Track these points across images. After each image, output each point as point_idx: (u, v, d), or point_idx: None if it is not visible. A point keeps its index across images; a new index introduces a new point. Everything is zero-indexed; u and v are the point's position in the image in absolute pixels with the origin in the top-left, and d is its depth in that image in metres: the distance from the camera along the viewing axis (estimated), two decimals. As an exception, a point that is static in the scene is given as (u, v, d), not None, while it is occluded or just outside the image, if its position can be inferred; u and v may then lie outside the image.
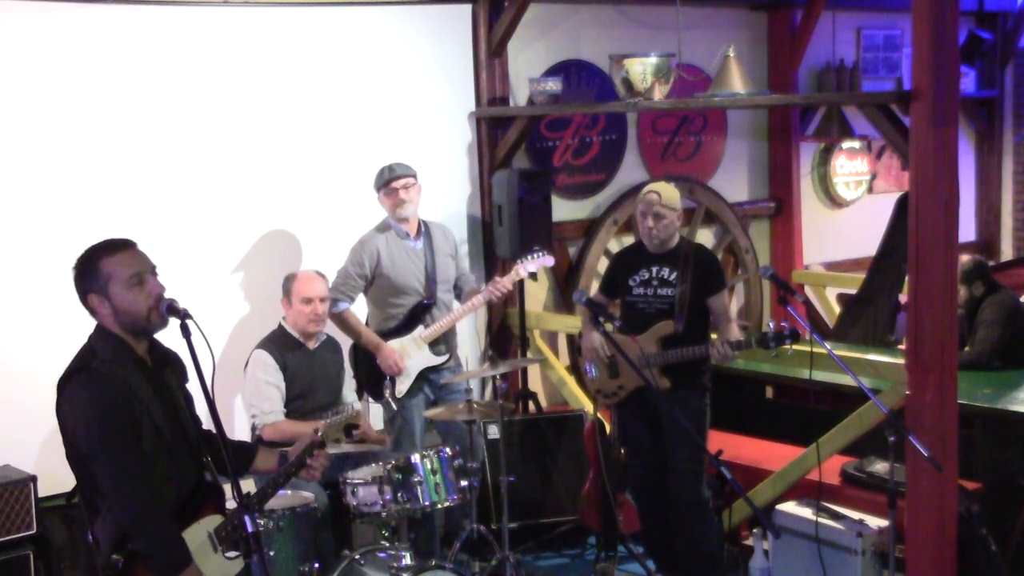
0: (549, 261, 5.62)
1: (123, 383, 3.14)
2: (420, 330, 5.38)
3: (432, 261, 5.43)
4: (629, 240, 7.04)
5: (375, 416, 5.56)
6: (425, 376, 5.43)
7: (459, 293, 5.61)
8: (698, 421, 4.89)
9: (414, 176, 5.36)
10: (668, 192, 4.87)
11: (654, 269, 4.91)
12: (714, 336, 4.89)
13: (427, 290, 5.41)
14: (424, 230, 5.45)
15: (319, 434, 3.66)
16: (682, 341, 4.79)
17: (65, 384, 3.18)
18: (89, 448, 3.12)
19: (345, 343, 5.41)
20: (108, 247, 3.21)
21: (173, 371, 3.36)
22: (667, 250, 4.90)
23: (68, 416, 3.16)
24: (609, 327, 4.48)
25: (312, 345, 5.17)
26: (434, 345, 5.43)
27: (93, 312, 3.22)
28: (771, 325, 4.63)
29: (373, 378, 5.37)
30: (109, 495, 3.13)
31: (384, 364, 5.32)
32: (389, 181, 5.30)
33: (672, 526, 5.03)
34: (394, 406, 5.15)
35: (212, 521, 3.30)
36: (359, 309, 5.49)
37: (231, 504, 3.19)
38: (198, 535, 3.26)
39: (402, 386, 5.34)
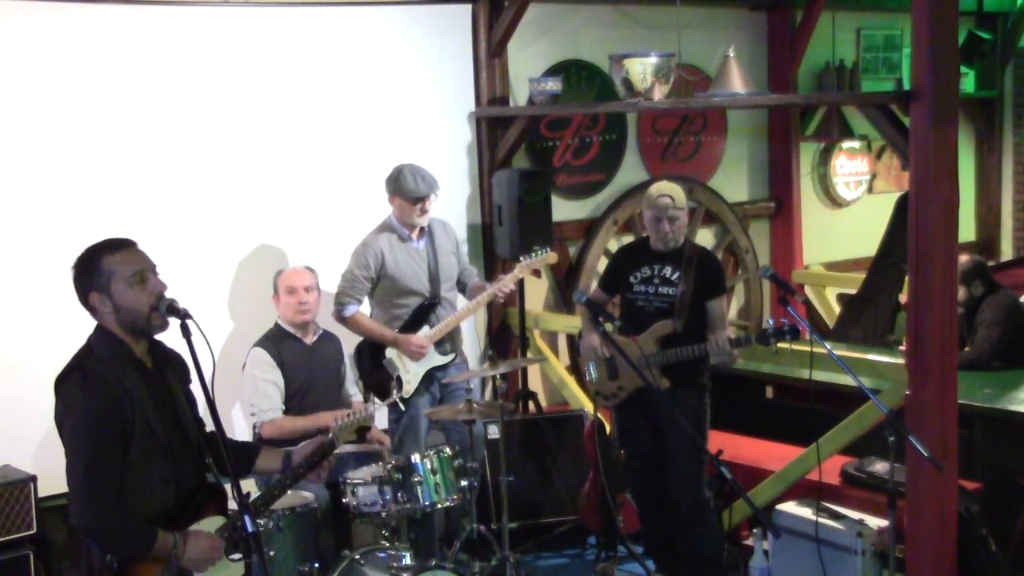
0: (552, 257, 5.61)
1: (117, 383, 3.13)
2: (426, 330, 5.38)
3: (435, 260, 5.43)
4: (629, 240, 7.04)
5: (380, 416, 5.55)
6: (432, 376, 5.43)
7: (463, 287, 5.61)
8: (698, 421, 4.89)
9: (438, 190, 5.37)
10: (678, 193, 4.87)
11: (656, 267, 4.90)
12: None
13: (431, 290, 5.41)
14: (426, 229, 5.45)
15: (331, 435, 3.66)
16: (681, 341, 4.79)
17: (60, 383, 3.19)
18: (69, 440, 3.13)
19: (347, 344, 5.41)
20: (109, 246, 3.21)
21: (175, 372, 3.35)
22: (672, 249, 4.90)
23: (60, 413, 3.17)
24: (609, 327, 4.47)
25: (309, 340, 5.18)
26: (440, 344, 5.43)
27: (94, 311, 3.21)
28: (770, 322, 4.64)
29: (379, 379, 5.36)
30: (70, 489, 3.13)
31: (408, 352, 5.31)
32: (417, 198, 5.28)
33: (672, 526, 5.03)
34: (402, 407, 5.15)
35: (214, 522, 3.30)
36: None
37: (233, 505, 3.19)
38: (199, 534, 3.27)
39: (409, 387, 5.34)
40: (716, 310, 4.87)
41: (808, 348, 4.56)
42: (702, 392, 4.93)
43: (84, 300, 3.21)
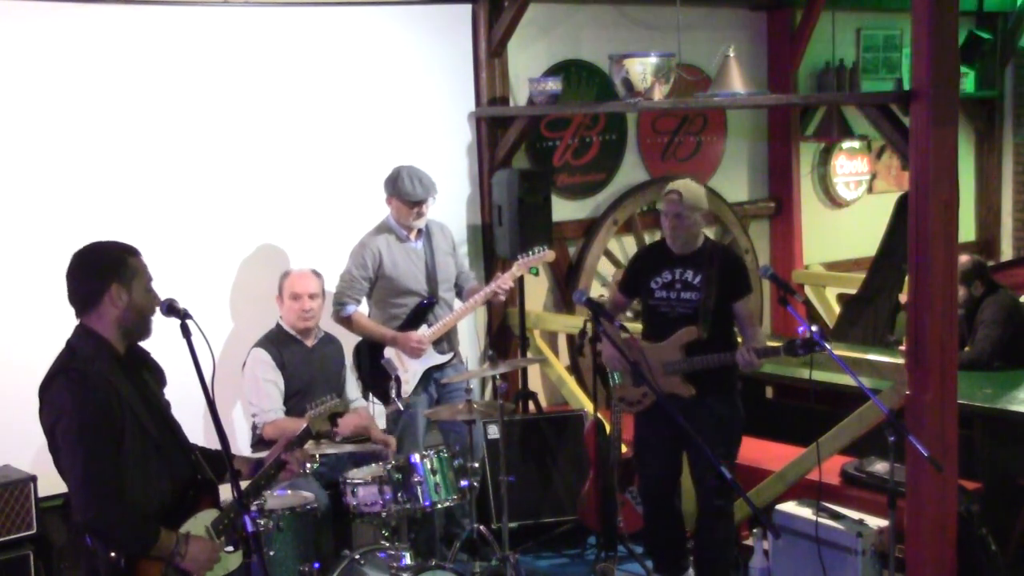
0: (549, 255, 5.61)
1: (105, 382, 3.14)
2: (424, 330, 5.38)
3: (432, 261, 5.43)
4: (629, 240, 7.05)
5: (380, 417, 5.55)
6: (429, 376, 5.43)
7: (459, 291, 5.61)
8: (726, 429, 4.77)
9: (435, 194, 5.37)
10: (690, 192, 4.71)
11: (677, 271, 4.74)
12: (739, 341, 4.81)
13: (429, 290, 5.41)
14: (423, 230, 5.45)
15: (305, 424, 3.67)
16: (706, 347, 4.65)
17: (46, 388, 3.19)
18: (63, 442, 3.12)
19: (346, 344, 5.41)
20: (132, 249, 3.28)
21: (150, 372, 3.38)
22: (691, 251, 4.74)
23: (49, 417, 3.16)
24: (609, 328, 4.44)
25: (310, 342, 5.18)
26: (437, 344, 5.43)
27: (96, 304, 3.19)
28: (800, 331, 4.53)
29: (378, 380, 5.36)
30: (71, 489, 3.15)
31: (408, 350, 5.31)
32: (414, 202, 5.28)
33: (677, 532, 5.03)
34: (400, 407, 5.16)
35: (209, 515, 3.32)
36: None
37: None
38: (195, 529, 3.28)
39: (407, 387, 5.34)
40: (744, 311, 4.72)
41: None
42: (731, 399, 4.79)
43: (99, 290, 3.18)
